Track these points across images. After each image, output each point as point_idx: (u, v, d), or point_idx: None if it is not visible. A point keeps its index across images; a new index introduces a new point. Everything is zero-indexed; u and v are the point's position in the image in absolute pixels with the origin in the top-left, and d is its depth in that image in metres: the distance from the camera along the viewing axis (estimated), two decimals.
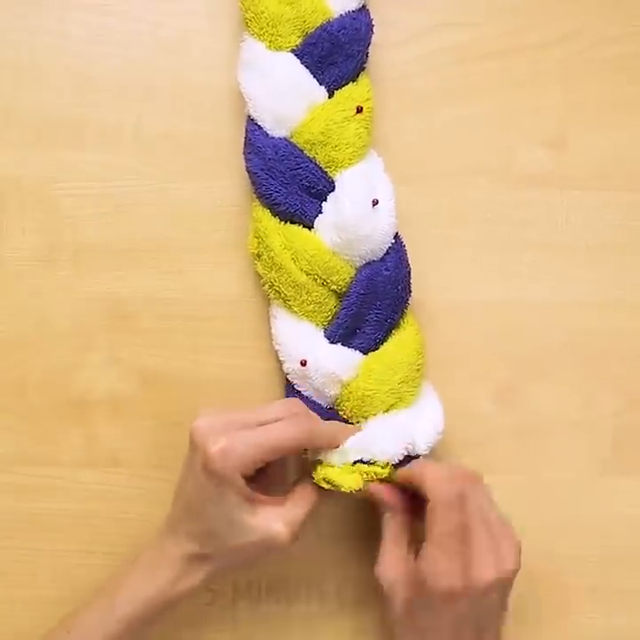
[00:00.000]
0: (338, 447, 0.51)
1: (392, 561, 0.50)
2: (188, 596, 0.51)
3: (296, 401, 0.51)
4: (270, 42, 0.53)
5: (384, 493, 0.51)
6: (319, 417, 0.51)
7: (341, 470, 0.50)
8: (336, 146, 0.52)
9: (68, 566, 0.56)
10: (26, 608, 0.56)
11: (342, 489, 0.50)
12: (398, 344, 0.52)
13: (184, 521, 0.50)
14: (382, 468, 0.51)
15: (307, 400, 0.53)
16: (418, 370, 0.52)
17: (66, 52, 0.56)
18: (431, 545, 0.47)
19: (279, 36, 0.52)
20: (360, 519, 0.57)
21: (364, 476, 0.50)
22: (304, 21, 0.52)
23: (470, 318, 0.57)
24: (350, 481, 0.50)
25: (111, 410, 0.56)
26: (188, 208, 0.56)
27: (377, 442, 0.51)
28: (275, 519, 0.49)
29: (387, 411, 0.52)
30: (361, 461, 0.51)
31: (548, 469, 0.57)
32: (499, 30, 0.58)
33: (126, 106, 0.56)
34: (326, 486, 0.51)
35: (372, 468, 0.50)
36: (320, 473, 0.51)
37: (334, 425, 0.52)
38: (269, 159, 0.52)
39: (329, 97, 0.53)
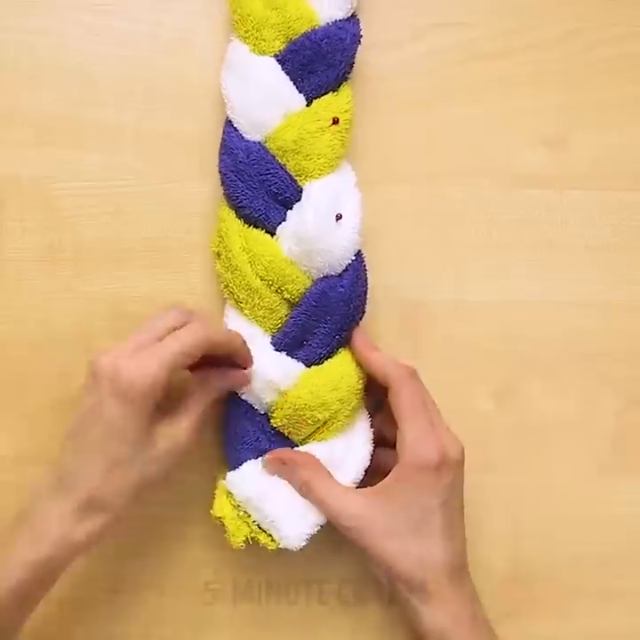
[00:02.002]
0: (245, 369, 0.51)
1: (352, 498, 0.50)
2: (81, 553, 0.48)
3: (183, 308, 0.51)
4: (254, 45, 0.53)
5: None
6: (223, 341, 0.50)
7: (237, 517, 0.51)
8: (307, 155, 0.52)
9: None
10: None
11: (227, 535, 0.51)
12: (342, 363, 0.52)
13: (79, 464, 0.47)
14: (272, 541, 0.51)
15: (244, 403, 0.53)
16: (356, 394, 0.52)
17: (66, 52, 0.57)
18: (406, 423, 0.49)
19: (263, 40, 0.52)
20: None
21: (250, 536, 0.51)
22: (289, 27, 0.52)
23: (469, 318, 0.57)
24: (237, 534, 0.51)
25: None
26: (188, 208, 0.56)
27: (285, 525, 0.50)
28: (173, 427, 0.49)
29: (318, 430, 0.52)
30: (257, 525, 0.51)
31: (547, 469, 0.57)
32: (499, 30, 0.58)
33: (126, 106, 0.57)
34: (217, 523, 0.51)
35: (262, 537, 0.51)
36: (219, 506, 0.51)
37: (233, 334, 0.51)
38: (240, 162, 0.52)
39: (307, 105, 0.53)
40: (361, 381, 0.52)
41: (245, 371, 0.51)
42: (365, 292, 0.52)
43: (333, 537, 0.55)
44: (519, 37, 0.57)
